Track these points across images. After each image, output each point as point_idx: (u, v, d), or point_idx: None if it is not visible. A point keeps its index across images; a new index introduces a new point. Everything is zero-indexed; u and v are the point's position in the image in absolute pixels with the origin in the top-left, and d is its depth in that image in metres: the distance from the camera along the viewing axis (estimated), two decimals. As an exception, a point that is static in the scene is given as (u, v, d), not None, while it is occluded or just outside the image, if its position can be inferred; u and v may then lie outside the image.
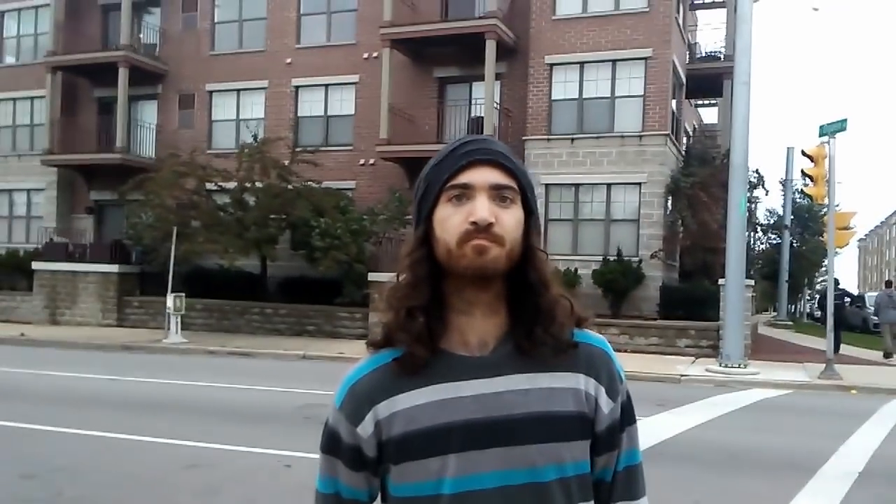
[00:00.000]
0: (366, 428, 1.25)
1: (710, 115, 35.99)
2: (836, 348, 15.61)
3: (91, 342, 17.87)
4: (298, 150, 21.32)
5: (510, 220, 1.21)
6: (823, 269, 42.38)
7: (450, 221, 1.21)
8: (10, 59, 27.71)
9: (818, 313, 24.64)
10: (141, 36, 25.81)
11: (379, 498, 1.33)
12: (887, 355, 17.65)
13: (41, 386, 11.50)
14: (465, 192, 1.21)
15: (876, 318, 20.68)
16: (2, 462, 6.71)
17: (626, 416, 1.33)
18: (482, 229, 1.18)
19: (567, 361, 1.26)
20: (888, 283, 19.08)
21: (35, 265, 23.10)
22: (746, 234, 18.45)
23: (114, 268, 22.22)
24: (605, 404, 1.29)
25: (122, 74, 23.99)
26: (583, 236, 20.00)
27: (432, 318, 1.24)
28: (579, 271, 18.85)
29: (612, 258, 18.98)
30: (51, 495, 5.81)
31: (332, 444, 1.30)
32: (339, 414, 1.28)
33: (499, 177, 1.22)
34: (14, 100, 26.97)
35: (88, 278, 22.44)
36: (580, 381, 1.27)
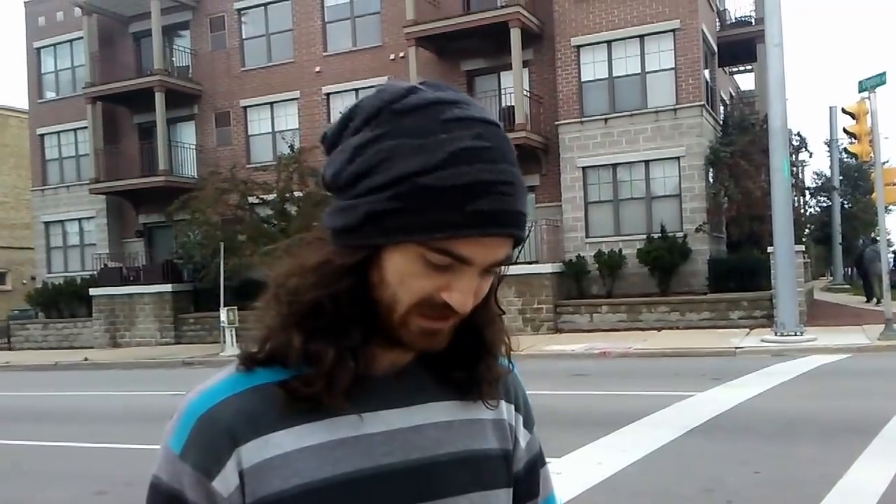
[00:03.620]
0: (227, 481, 0.84)
1: (747, 81, 35.31)
2: (869, 298, 18.42)
3: (152, 361, 18.40)
4: (335, 156, 21.55)
5: (485, 288, 0.88)
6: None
7: (415, 283, 0.83)
8: (50, 94, 28.53)
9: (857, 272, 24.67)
10: (174, 59, 26.37)
11: None
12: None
13: (108, 407, 11.90)
14: (455, 265, 0.82)
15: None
16: (77, 480, 6.99)
17: (542, 452, 1.07)
18: (452, 310, 0.84)
19: None
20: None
21: (92, 291, 23.85)
22: (794, 198, 18.08)
23: (167, 287, 22.79)
24: (523, 437, 1.02)
25: (159, 98, 24.57)
26: (624, 216, 19.84)
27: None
28: (623, 251, 18.75)
29: (656, 235, 18.79)
30: (124, 509, 6.05)
31: None
32: (180, 464, 0.85)
33: (505, 250, 0.85)
34: (58, 133, 27.81)
35: (144, 299, 23.07)
36: (502, 410, 0.99)
